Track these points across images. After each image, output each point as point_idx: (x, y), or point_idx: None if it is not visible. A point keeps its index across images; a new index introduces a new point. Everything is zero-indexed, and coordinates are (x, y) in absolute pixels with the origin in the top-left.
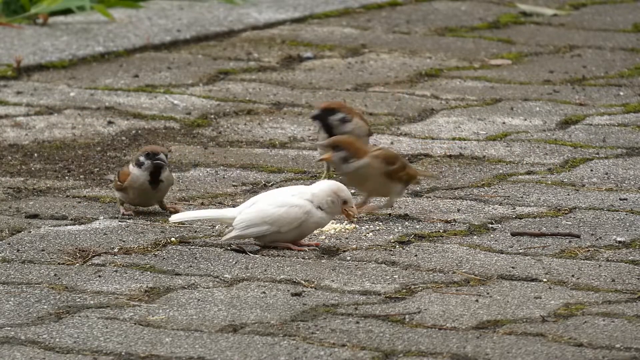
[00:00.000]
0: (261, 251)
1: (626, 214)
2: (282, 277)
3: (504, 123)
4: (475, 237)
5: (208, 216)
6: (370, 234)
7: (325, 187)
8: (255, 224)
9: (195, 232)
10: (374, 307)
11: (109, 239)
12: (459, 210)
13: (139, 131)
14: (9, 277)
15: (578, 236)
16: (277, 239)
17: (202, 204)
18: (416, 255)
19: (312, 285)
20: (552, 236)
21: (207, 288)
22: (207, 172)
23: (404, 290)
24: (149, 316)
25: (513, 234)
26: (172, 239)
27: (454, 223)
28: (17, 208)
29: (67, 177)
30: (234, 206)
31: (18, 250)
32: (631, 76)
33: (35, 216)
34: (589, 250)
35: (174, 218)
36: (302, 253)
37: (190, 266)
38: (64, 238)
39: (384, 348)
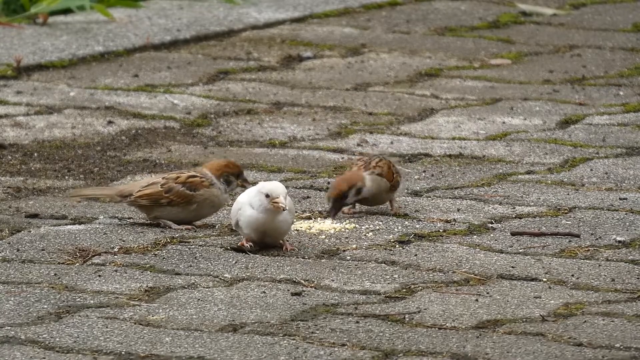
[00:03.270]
0: (261, 251)
1: (626, 214)
2: (282, 276)
3: (503, 123)
4: (475, 236)
5: None
6: (370, 233)
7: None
8: None
9: (195, 231)
10: (374, 306)
11: (109, 238)
12: (458, 209)
13: (139, 131)
14: (9, 277)
15: (578, 236)
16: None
17: None
18: (416, 255)
19: (312, 285)
20: (552, 236)
21: (207, 288)
22: None
23: (404, 290)
24: (149, 316)
25: (513, 234)
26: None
27: (453, 223)
28: (17, 208)
29: (67, 177)
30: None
31: (18, 250)
32: (631, 76)
33: (35, 216)
34: (588, 250)
35: None
36: (302, 252)
37: (190, 266)
38: (64, 237)
39: (384, 348)
